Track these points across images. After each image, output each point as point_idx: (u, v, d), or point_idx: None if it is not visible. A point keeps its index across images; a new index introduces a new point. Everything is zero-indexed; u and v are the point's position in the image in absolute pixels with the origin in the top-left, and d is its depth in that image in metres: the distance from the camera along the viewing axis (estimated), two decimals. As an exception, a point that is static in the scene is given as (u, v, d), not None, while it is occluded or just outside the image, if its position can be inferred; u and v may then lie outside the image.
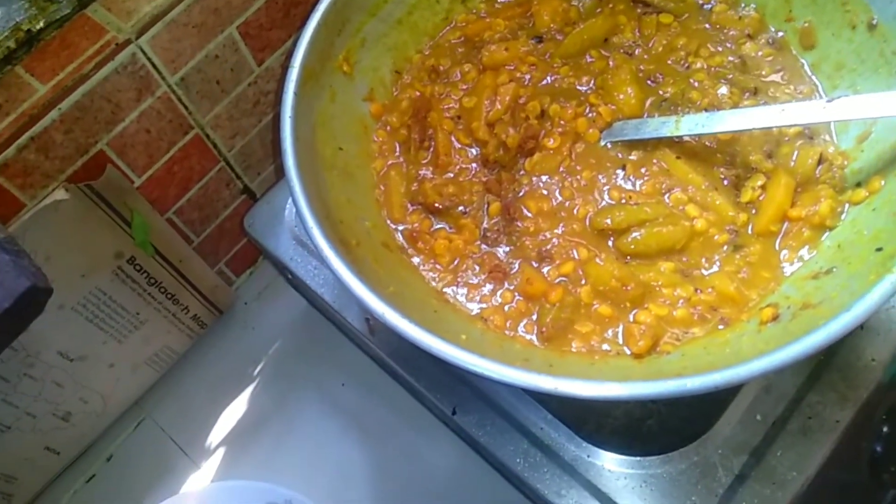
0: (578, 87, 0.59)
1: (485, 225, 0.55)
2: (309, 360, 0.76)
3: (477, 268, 0.54)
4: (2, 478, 0.65)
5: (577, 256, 0.53)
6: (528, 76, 0.60)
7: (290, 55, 0.53)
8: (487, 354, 0.42)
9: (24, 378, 0.61)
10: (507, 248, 0.54)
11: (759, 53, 0.59)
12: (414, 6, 0.61)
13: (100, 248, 0.61)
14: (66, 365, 0.64)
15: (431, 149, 0.58)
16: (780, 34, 0.60)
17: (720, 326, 0.49)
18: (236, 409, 0.75)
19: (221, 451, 0.73)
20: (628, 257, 0.52)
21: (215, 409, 0.75)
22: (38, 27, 0.53)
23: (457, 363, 0.41)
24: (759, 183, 0.53)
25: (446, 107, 0.60)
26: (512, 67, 0.60)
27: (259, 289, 0.80)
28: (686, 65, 0.59)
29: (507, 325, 0.51)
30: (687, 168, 0.54)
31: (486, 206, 0.56)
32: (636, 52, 0.61)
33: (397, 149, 0.59)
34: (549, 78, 0.60)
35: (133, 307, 0.66)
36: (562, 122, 0.57)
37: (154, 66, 0.57)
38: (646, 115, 0.58)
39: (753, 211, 0.53)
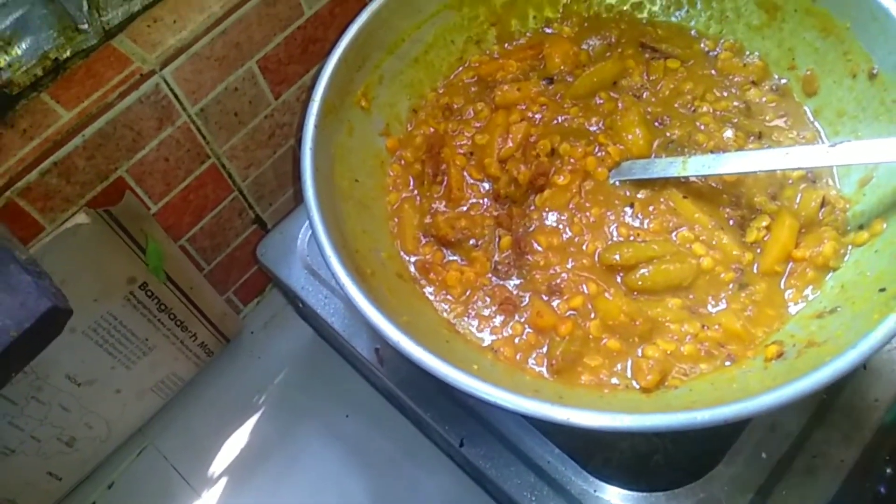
0: (588, 128, 0.61)
1: (496, 258, 0.56)
2: (314, 390, 0.76)
3: (488, 300, 0.54)
4: (2, 502, 0.65)
5: (586, 291, 0.54)
6: (538, 115, 0.62)
7: (309, 89, 0.54)
8: (499, 385, 0.42)
9: (32, 401, 0.61)
10: (518, 282, 0.55)
11: (763, 99, 0.61)
12: (430, 45, 0.63)
13: (114, 273, 0.62)
14: (74, 389, 0.64)
15: (444, 183, 0.59)
16: (784, 81, 0.62)
17: (727, 363, 0.50)
18: (239, 438, 0.74)
19: (223, 480, 0.72)
20: (636, 293, 0.53)
21: (219, 438, 0.74)
22: (64, 56, 0.55)
23: (472, 392, 0.42)
24: (764, 223, 0.55)
25: (459, 143, 0.61)
26: (524, 107, 0.62)
27: (266, 318, 0.81)
28: (693, 108, 0.61)
29: (518, 357, 0.52)
30: (694, 208, 0.55)
31: (497, 239, 0.57)
32: (644, 94, 0.63)
33: (411, 183, 0.60)
34: (559, 118, 0.62)
35: (143, 333, 0.67)
36: (571, 160, 0.59)
37: (176, 96, 0.59)
38: (653, 156, 0.59)
39: (758, 251, 0.54)
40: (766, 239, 0.54)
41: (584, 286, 0.54)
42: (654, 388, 0.49)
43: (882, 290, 0.46)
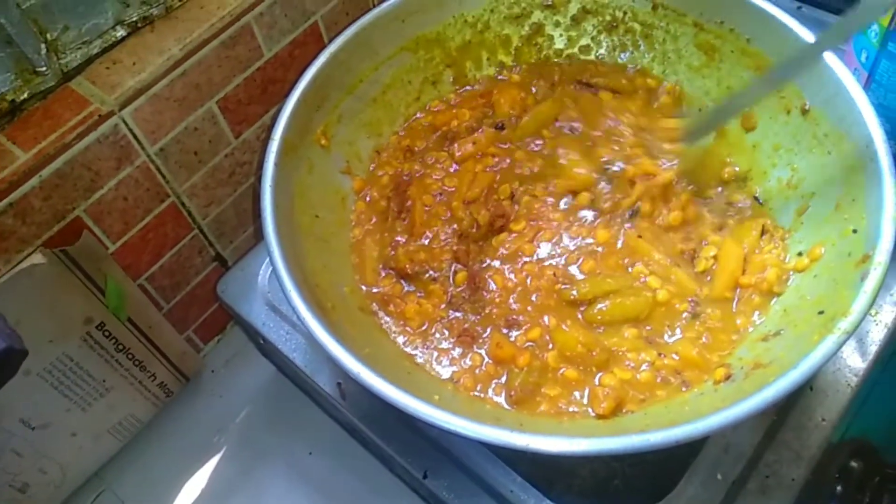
0: (536, 170, 0.64)
1: (451, 291, 0.58)
2: (276, 428, 0.75)
3: (446, 332, 0.55)
4: (-50, 555, 0.63)
5: (546, 322, 0.55)
6: (497, 166, 0.64)
7: (269, 129, 0.56)
8: (460, 414, 0.43)
9: (-17, 447, 0.60)
10: (474, 317, 0.56)
11: (705, 135, 0.64)
12: (388, 86, 0.65)
13: (70, 314, 0.61)
14: (28, 433, 0.62)
15: (406, 220, 0.61)
16: (724, 117, 0.65)
17: (682, 388, 0.51)
18: (200, 480, 0.73)
19: (183, 524, 0.71)
20: (595, 326, 0.55)
21: (178, 481, 0.73)
22: (22, 98, 0.55)
23: (433, 422, 0.42)
24: (712, 253, 0.57)
25: (428, 184, 0.63)
26: (480, 156, 0.64)
27: (227, 356, 0.80)
28: (632, 136, 0.64)
29: (478, 387, 0.53)
30: (649, 247, 0.58)
31: (453, 273, 0.59)
32: (580, 129, 0.65)
33: (373, 218, 0.61)
34: (507, 162, 0.64)
35: (99, 374, 0.66)
36: (531, 190, 0.61)
37: (135, 136, 0.59)
38: (599, 180, 0.62)
39: (708, 279, 0.57)
40: (714, 268, 0.57)
41: (544, 318, 0.55)
42: (611, 415, 0.50)
43: (821, 312, 0.48)
